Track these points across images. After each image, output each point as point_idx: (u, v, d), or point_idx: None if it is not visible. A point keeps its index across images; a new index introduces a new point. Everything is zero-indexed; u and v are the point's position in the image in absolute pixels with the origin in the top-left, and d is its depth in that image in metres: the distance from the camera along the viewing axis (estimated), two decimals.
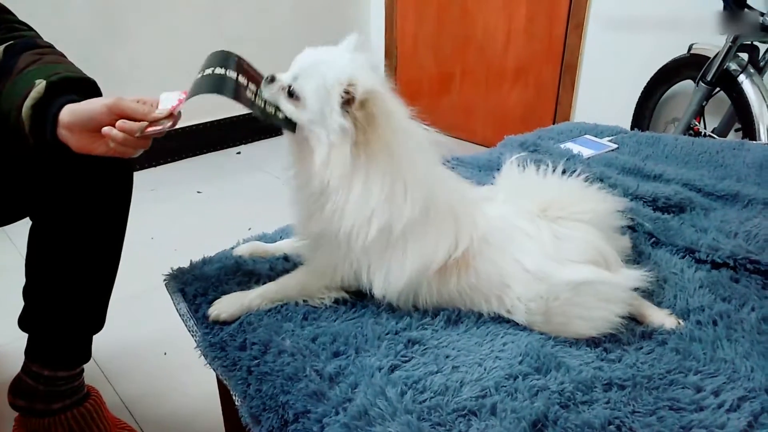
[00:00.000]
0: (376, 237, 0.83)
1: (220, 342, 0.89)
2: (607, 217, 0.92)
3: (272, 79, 0.86)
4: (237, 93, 0.82)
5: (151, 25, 2.61)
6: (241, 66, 0.86)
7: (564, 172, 0.94)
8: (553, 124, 2.43)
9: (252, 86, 0.85)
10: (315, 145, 0.83)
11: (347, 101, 0.79)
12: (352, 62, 0.83)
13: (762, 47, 1.91)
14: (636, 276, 0.87)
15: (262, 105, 0.85)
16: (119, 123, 0.81)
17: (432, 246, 0.85)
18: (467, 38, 2.95)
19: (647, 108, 2.27)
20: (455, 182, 0.94)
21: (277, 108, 0.85)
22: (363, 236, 0.83)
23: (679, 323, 0.88)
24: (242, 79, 0.84)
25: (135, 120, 0.82)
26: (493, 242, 0.86)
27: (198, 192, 2.53)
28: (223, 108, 2.93)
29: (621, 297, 0.85)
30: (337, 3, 3.22)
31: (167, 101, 0.86)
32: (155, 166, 2.76)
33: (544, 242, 0.84)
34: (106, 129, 0.81)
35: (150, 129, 0.83)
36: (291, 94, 0.84)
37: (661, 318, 0.89)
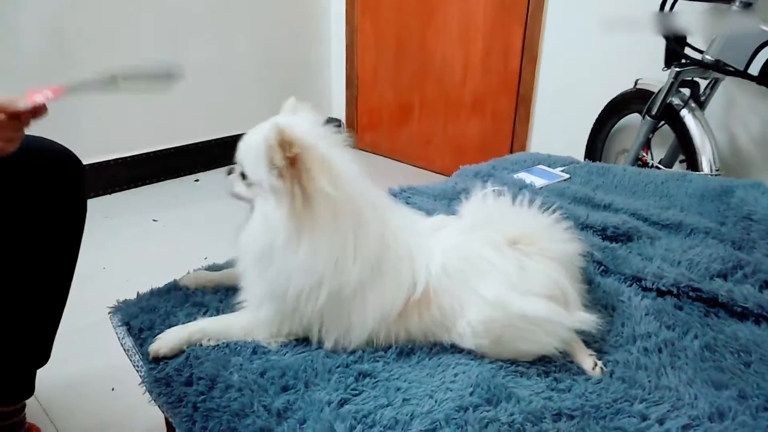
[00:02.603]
0: (327, 300, 0.82)
1: (165, 377, 0.86)
2: (573, 258, 0.93)
3: (230, 171, 0.89)
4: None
5: (107, 52, 2.57)
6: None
7: (539, 206, 0.95)
8: (510, 153, 2.49)
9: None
10: (257, 208, 0.84)
11: (275, 153, 0.78)
12: (280, 122, 0.84)
13: (702, 83, 2.01)
14: (588, 320, 0.88)
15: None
16: None
17: (392, 292, 0.85)
18: (426, 70, 3.01)
19: (599, 139, 2.35)
20: (405, 218, 0.93)
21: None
22: (313, 301, 0.82)
23: (602, 371, 0.87)
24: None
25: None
26: (454, 274, 0.86)
27: (154, 220, 2.47)
28: (182, 135, 2.90)
29: (564, 336, 0.87)
30: (298, 33, 3.25)
31: (36, 96, 0.92)
32: (110, 193, 2.69)
33: (509, 272, 0.85)
34: None
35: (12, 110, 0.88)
36: (243, 175, 0.86)
37: (587, 364, 0.88)
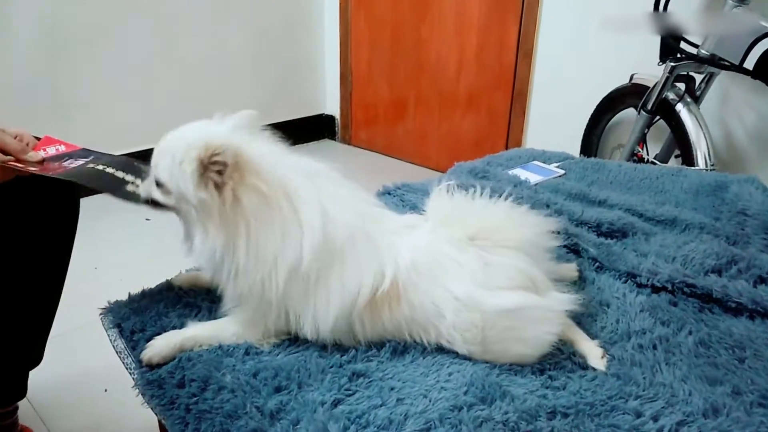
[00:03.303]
0: (289, 281, 0.81)
1: (158, 379, 0.85)
2: (535, 240, 0.91)
3: (144, 176, 0.88)
4: (115, 188, 0.93)
5: (102, 48, 2.56)
6: (132, 165, 0.94)
7: (491, 196, 0.93)
8: (505, 149, 2.48)
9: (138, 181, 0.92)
10: (190, 223, 0.84)
11: (203, 168, 0.77)
12: (200, 130, 0.82)
13: (698, 78, 2.00)
14: (564, 299, 0.88)
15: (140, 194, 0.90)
16: None
17: (355, 280, 0.83)
18: (420, 66, 3.00)
19: (594, 134, 2.35)
20: (372, 212, 0.91)
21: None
22: (275, 285, 0.82)
23: (604, 354, 0.87)
24: (128, 177, 0.94)
25: (6, 153, 0.89)
26: (423, 272, 0.85)
27: (147, 219, 2.46)
28: None
29: (552, 318, 0.86)
30: (292, 29, 3.23)
31: (49, 148, 0.95)
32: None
33: (474, 270, 0.83)
34: None
35: (13, 164, 0.90)
36: (158, 183, 0.84)
37: (589, 347, 0.89)
